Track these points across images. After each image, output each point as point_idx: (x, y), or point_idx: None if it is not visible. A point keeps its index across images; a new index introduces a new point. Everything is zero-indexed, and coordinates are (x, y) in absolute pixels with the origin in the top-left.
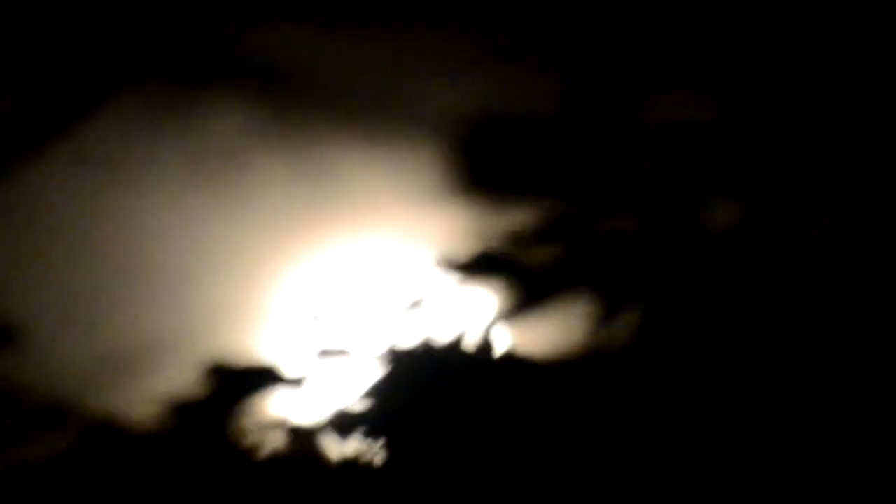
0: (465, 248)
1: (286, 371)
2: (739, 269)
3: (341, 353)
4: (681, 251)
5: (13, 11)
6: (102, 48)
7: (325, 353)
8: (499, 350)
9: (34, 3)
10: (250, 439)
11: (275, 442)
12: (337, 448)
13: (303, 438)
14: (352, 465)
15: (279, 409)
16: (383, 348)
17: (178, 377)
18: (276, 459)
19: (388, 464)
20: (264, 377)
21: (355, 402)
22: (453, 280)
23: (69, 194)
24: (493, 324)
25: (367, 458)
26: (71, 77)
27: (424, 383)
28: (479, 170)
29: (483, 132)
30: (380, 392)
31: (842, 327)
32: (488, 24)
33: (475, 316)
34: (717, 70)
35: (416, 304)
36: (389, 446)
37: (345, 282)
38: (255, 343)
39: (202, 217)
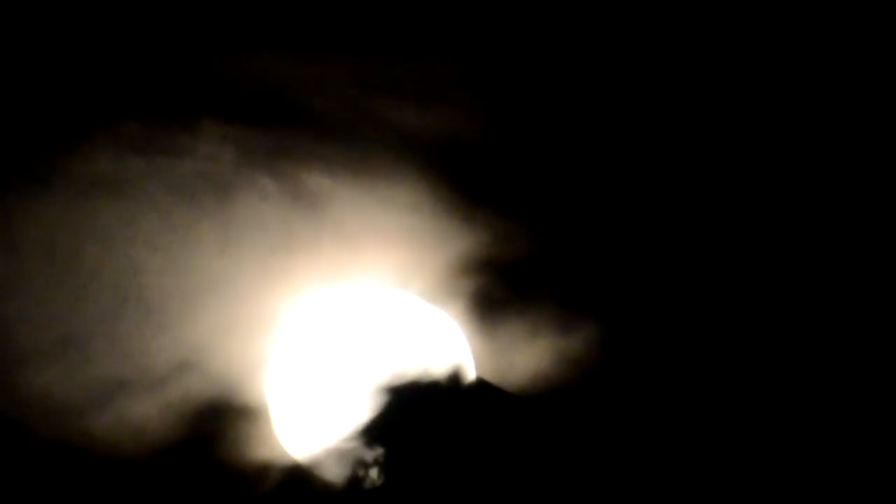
0: (448, 268)
1: (280, 397)
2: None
3: (334, 382)
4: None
5: (13, 40)
6: (97, 79)
7: (317, 383)
8: (478, 375)
9: (33, 35)
10: (243, 470)
11: (268, 473)
12: (330, 476)
13: (296, 469)
14: (345, 494)
15: (273, 440)
16: (373, 377)
17: (174, 404)
18: (269, 491)
19: (379, 490)
20: (258, 409)
21: (347, 432)
22: (435, 300)
23: (66, 221)
24: (473, 343)
25: (359, 484)
26: (66, 109)
27: (411, 412)
28: (460, 197)
29: (461, 156)
30: (369, 422)
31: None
32: (466, 53)
33: (456, 342)
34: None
35: (401, 334)
36: (381, 473)
37: (335, 312)
38: (248, 369)
39: (195, 244)
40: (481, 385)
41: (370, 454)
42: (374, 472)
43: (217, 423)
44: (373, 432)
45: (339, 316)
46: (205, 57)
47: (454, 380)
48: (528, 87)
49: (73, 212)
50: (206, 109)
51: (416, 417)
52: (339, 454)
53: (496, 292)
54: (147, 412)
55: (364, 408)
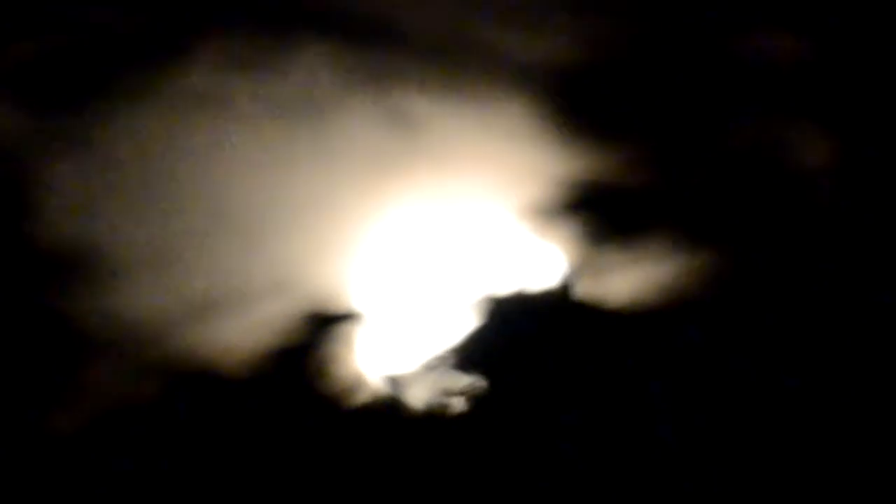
0: (547, 194)
1: (373, 318)
2: (829, 211)
3: (427, 299)
4: (768, 193)
5: None
6: None
7: (410, 299)
8: (577, 296)
9: None
10: (337, 386)
11: (362, 389)
12: (423, 394)
13: (390, 384)
14: (437, 413)
15: (366, 356)
16: (467, 294)
17: (266, 323)
18: (363, 406)
19: (470, 411)
20: (351, 324)
21: (440, 348)
22: (535, 225)
23: (163, 133)
24: (572, 269)
25: (451, 404)
26: (164, 22)
27: (505, 331)
28: (560, 118)
29: (564, 81)
30: (463, 338)
31: None
32: None
33: (555, 261)
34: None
35: (498, 249)
36: (472, 393)
37: (430, 228)
38: (342, 290)
39: (290, 161)
40: (578, 308)
41: (458, 380)
42: (459, 400)
43: (307, 341)
44: (462, 357)
45: (433, 234)
46: None
47: (550, 303)
48: (639, 7)
49: (168, 127)
50: (304, 28)
51: (508, 343)
52: (425, 378)
53: (598, 217)
54: (238, 330)
55: (455, 331)
